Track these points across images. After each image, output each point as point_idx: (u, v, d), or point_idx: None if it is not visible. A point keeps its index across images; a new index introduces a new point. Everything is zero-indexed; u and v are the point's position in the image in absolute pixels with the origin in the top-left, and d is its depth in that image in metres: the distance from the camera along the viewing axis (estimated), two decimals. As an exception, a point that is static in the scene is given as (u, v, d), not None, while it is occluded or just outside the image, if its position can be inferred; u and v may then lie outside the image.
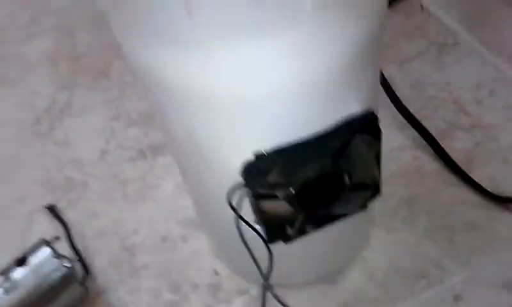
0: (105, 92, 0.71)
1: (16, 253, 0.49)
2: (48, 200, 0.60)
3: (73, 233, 0.56)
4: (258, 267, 0.40)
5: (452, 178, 0.56)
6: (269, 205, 0.39)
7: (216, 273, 0.53)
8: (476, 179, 0.54)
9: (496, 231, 0.51)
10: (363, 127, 0.37)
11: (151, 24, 0.30)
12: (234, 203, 0.37)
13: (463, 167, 0.56)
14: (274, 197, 0.38)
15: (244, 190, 0.37)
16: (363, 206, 0.42)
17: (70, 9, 0.81)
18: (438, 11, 0.72)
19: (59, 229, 0.57)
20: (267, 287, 0.43)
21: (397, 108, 0.62)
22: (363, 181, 0.40)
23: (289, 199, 0.37)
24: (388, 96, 0.62)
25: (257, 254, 0.40)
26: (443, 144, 0.58)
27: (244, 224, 0.38)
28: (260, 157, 0.35)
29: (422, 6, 0.75)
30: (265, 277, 0.42)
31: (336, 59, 0.33)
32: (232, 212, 0.37)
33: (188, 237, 0.56)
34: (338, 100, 0.36)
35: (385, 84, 0.62)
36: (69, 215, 0.58)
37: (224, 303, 0.51)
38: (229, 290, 0.52)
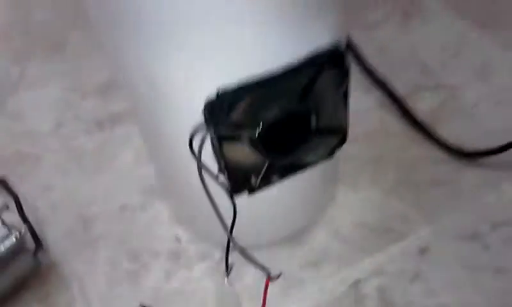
0: (61, 64, 0.68)
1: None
2: (-1, 175, 0.56)
3: (26, 206, 0.53)
4: (221, 220, 0.38)
5: (418, 137, 0.56)
6: (232, 150, 0.37)
7: (177, 239, 0.51)
8: (441, 136, 0.54)
9: (461, 185, 0.51)
10: (330, 62, 0.36)
11: None
12: (196, 148, 0.35)
13: (428, 126, 0.55)
14: (238, 140, 0.36)
15: (206, 131, 0.35)
16: (331, 153, 0.41)
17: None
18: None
19: (11, 205, 0.54)
20: (231, 241, 0.41)
21: (363, 71, 0.62)
22: (330, 125, 0.39)
23: (254, 142, 0.36)
24: (355, 59, 0.62)
25: (221, 212, 0.38)
26: (409, 104, 0.57)
27: (206, 175, 0.36)
28: (223, 93, 0.33)
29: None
30: (229, 230, 0.40)
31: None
32: (194, 164, 0.35)
33: (148, 205, 0.54)
34: (305, 31, 0.34)
35: (350, 47, 0.62)
36: (21, 189, 0.55)
37: (185, 269, 0.48)
38: (191, 255, 0.49)
